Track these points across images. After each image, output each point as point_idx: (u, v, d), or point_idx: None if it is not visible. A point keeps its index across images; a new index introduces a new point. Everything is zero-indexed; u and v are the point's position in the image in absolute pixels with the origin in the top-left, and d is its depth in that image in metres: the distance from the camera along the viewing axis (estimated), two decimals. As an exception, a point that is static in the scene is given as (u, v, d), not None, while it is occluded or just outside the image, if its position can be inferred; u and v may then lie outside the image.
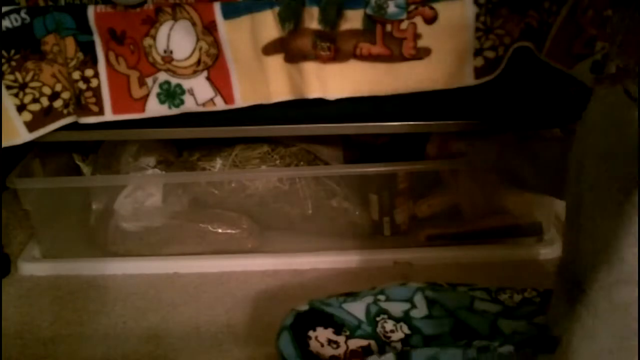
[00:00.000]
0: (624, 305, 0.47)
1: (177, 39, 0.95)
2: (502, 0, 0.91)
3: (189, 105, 1.00)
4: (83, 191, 1.21)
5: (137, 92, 1.00)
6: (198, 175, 1.21)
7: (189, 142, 1.24)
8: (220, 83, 0.99)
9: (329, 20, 0.93)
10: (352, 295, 0.78)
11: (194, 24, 0.94)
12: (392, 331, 0.73)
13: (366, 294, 0.78)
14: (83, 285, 1.17)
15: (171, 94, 0.99)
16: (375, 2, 0.91)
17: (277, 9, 0.92)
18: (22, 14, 0.94)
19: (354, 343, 0.72)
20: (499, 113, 1.02)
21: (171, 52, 0.96)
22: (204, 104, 1.00)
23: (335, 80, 0.98)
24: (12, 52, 0.94)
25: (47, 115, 1.00)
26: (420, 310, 0.75)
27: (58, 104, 1.00)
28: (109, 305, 1.12)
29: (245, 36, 0.95)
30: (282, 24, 0.93)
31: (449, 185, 1.19)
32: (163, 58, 0.97)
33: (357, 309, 0.75)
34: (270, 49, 0.96)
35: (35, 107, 0.98)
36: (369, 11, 0.92)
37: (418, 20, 0.92)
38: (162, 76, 0.98)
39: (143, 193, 1.18)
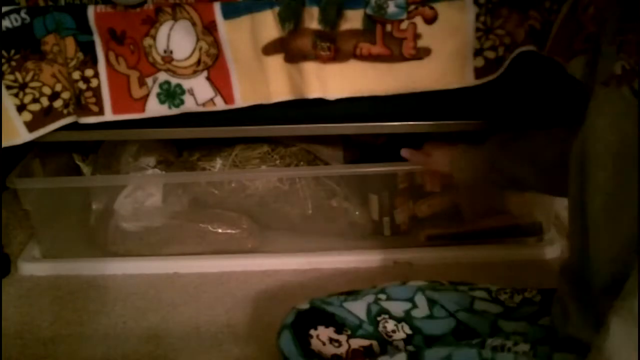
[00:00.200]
0: None
1: (177, 39, 0.95)
2: (502, 0, 0.91)
3: (189, 105, 1.00)
4: (83, 191, 1.21)
5: (137, 92, 1.00)
6: (198, 175, 1.21)
7: (189, 142, 1.24)
8: (220, 83, 0.99)
9: (329, 20, 0.93)
10: (353, 294, 0.78)
11: (194, 24, 0.94)
12: (393, 331, 0.73)
13: (367, 292, 0.78)
14: (83, 285, 1.17)
15: (171, 94, 0.99)
16: (375, 2, 0.91)
17: (277, 9, 0.92)
18: (22, 14, 0.94)
19: (356, 342, 0.72)
20: (499, 113, 1.02)
21: (171, 52, 0.96)
22: (204, 104, 1.00)
23: (335, 80, 0.97)
24: (12, 52, 0.94)
25: (47, 115, 1.00)
26: (421, 310, 0.74)
27: (58, 104, 1.00)
28: (109, 305, 1.12)
29: (245, 36, 0.95)
30: (282, 24, 0.93)
31: (448, 186, 1.19)
32: (163, 58, 0.97)
33: (358, 308, 0.74)
34: (270, 49, 0.96)
35: (35, 107, 0.98)
36: (369, 11, 0.92)
37: (418, 20, 0.92)
38: (162, 76, 0.98)
39: (143, 193, 1.18)
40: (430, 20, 0.92)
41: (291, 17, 0.93)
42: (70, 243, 1.25)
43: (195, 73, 0.98)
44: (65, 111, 1.01)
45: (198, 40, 0.95)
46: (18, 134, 0.98)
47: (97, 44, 0.97)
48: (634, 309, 0.47)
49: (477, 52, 0.94)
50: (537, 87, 1.00)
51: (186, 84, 0.99)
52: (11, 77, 0.95)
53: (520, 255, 1.21)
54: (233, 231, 1.21)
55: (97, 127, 1.02)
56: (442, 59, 0.95)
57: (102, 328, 1.06)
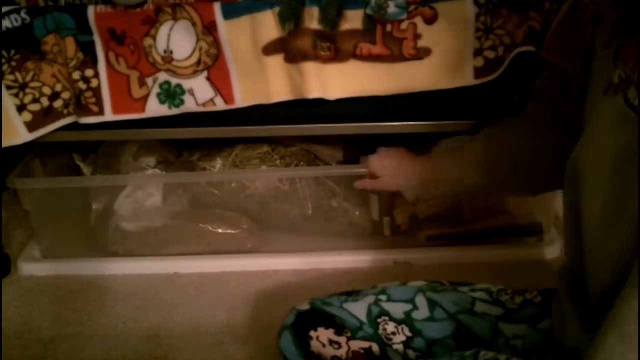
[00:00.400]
0: None
1: (177, 39, 0.95)
2: (502, 0, 0.91)
3: (189, 105, 1.00)
4: (83, 191, 1.21)
5: (137, 92, 1.00)
6: (198, 175, 1.21)
7: (189, 142, 1.24)
8: (220, 83, 0.99)
9: (329, 20, 0.93)
10: (353, 295, 0.77)
11: (194, 24, 0.94)
12: (393, 333, 0.72)
13: (367, 293, 0.77)
14: (83, 285, 1.17)
15: (171, 94, 0.99)
16: (375, 2, 0.91)
17: (277, 9, 0.92)
18: (22, 14, 0.94)
19: (356, 344, 0.72)
20: (499, 113, 1.02)
21: (171, 52, 0.96)
22: (204, 104, 1.00)
23: (335, 80, 0.98)
24: (12, 52, 0.94)
25: (47, 115, 1.00)
26: (421, 312, 0.74)
27: (58, 104, 1.00)
28: (109, 305, 1.12)
29: (245, 36, 0.95)
30: (282, 24, 0.93)
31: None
32: (163, 58, 0.97)
33: (358, 310, 0.74)
34: (270, 49, 0.96)
35: (35, 107, 0.98)
36: (369, 11, 0.92)
37: (418, 20, 0.92)
38: (162, 76, 0.98)
39: (143, 193, 1.18)
40: (430, 20, 0.92)
41: (291, 17, 0.93)
42: (70, 243, 1.25)
43: (195, 73, 0.98)
44: (65, 111, 1.01)
45: (198, 40, 0.95)
46: (18, 134, 0.98)
47: (97, 44, 0.97)
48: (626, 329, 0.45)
49: (477, 52, 0.94)
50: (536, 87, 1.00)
51: (186, 84, 0.99)
52: (11, 77, 0.95)
53: (520, 255, 1.21)
54: (233, 231, 1.21)
55: (97, 127, 1.02)
56: (442, 59, 0.95)
57: (102, 328, 1.06)
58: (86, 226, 1.22)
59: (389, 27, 0.93)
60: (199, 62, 0.97)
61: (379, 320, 0.73)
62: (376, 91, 0.99)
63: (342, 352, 0.71)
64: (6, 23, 0.93)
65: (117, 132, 1.05)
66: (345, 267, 1.19)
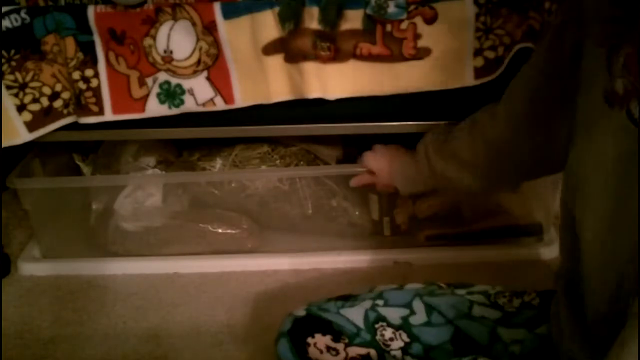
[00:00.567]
0: None
1: (177, 39, 0.95)
2: (502, 0, 0.91)
3: (189, 105, 1.00)
4: (83, 191, 1.21)
5: (137, 92, 1.00)
6: (198, 175, 1.21)
7: (189, 142, 1.23)
8: (220, 83, 0.99)
9: (329, 20, 0.93)
10: (350, 300, 0.77)
11: (194, 24, 0.94)
12: (391, 339, 0.72)
13: (364, 297, 0.77)
14: (83, 285, 1.17)
15: (171, 94, 0.99)
16: (375, 2, 0.91)
17: (277, 9, 0.92)
18: (22, 14, 0.94)
19: (353, 351, 0.71)
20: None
21: (171, 52, 0.96)
22: (204, 104, 1.00)
23: (335, 80, 0.97)
24: (12, 52, 0.94)
25: (47, 115, 1.00)
26: (419, 317, 0.73)
27: (58, 104, 1.00)
28: (109, 305, 1.12)
29: (245, 36, 0.95)
30: (282, 24, 0.93)
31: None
32: (163, 58, 0.97)
33: (355, 315, 0.73)
34: (270, 49, 0.96)
35: (35, 107, 0.98)
36: (369, 11, 0.92)
37: (418, 20, 0.92)
38: (162, 76, 0.98)
39: (143, 193, 1.18)
40: (430, 20, 0.92)
41: (291, 17, 0.93)
42: (70, 243, 1.25)
43: (195, 73, 0.98)
44: (65, 111, 1.01)
45: (198, 40, 0.95)
46: (18, 134, 0.98)
47: (97, 44, 0.97)
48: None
49: (477, 52, 0.94)
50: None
51: (186, 84, 0.99)
52: (11, 77, 0.95)
53: (520, 256, 1.20)
54: (233, 231, 1.21)
55: (97, 127, 1.02)
56: (442, 59, 0.95)
57: (102, 328, 1.06)
58: (86, 226, 1.22)
59: (389, 27, 0.93)
60: (199, 62, 0.97)
61: (376, 326, 0.73)
62: (376, 91, 0.99)
63: (340, 358, 0.70)
64: (6, 23, 0.93)
65: (117, 132, 1.05)
66: (345, 267, 1.19)
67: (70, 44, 0.96)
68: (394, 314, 0.74)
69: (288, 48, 0.95)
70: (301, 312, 0.75)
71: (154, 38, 0.95)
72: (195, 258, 1.20)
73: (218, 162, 1.19)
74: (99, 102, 1.00)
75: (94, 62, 0.98)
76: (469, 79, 0.96)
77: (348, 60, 0.96)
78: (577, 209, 0.58)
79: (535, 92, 0.69)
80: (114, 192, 1.18)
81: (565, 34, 0.61)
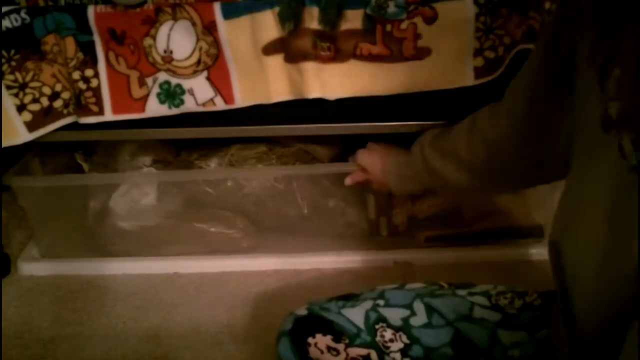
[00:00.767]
0: None
1: (177, 39, 0.95)
2: (502, 0, 0.91)
3: (189, 105, 1.00)
4: (81, 190, 1.21)
5: (137, 92, 1.00)
6: (191, 173, 1.20)
7: (187, 142, 1.23)
8: (220, 83, 0.99)
9: (329, 20, 0.93)
10: (351, 299, 0.77)
11: (194, 24, 0.94)
12: (391, 340, 0.72)
13: (365, 297, 0.76)
14: (83, 285, 1.17)
15: (171, 94, 0.99)
16: (375, 2, 0.91)
17: (277, 9, 0.92)
18: (22, 14, 0.94)
19: (354, 351, 0.71)
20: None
21: (171, 52, 0.96)
22: (204, 104, 1.00)
23: (335, 80, 0.97)
24: (12, 52, 0.94)
25: (47, 115, 1.00)
26: (419, 318, 0.73)
27: (58, 104, 1.00)
28: (109, 305, 1.12)
29: (245, 36, 0.95)
30: (282, 24, 0.93)
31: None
32: (163, 58, 0.97)
33: (356, 316, 0.73)
34: (270, 49, 0.96)
35: (35, 107, 0.98)
36: (369, 11, 0.92)
37: (418, 20, 0.92)
38: (162, 76, 0.98)
39: (138, 192, 1.18)
40: (430, 20, 0.92)
41: (291, 17, 0.93)
42: (69, 243, 1.25)
43: (195, 73, 0.98)
44: (65, 111, 1.01)
45: (198, 40, 0.95)
46: (18, 134, 0.98)
47: (97, 44, 0.97)
48: None
49: (477, 52, 0.94)
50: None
51: (186, 84, 0.99)
52: (11, 77, 0.95)
53: (521, 256, 1.21)
54: (228, 231, 1.20)
55: (97, 127, 1.02)
56: (442, 59, 0.95)
57: (102, 328, 1.06)
58: (84, 225, 1.22)
59: (389, 27, 0.93)
60: (199, 62, 0.97)
61: (376, 326, 0.72)
62: (376, 91, 0.99)
63: (340, 359, 0.70)
64: (6, 23, 0.93)
65: (117, 132, 1.05)
66: (345, 267, 1.19)
67: (70, 44, 0.96)
68: (395, 315, 0.73)
69: (288, 48, 0.95)
70: (302, 312, 0.75)
71: (154, 38, 0.95)
72: (195, 258, 1.21)
73: (214, 162, 1.19)
74: (99, 102, 1.00)
75: (94, 62, 0.98)
76: (469, 79, 0.96)
77: (348, 60, 0.96)
78: (565, 242, 0.57)
79: (535, 92, 0.68)
80: (112, 191, 1.18)
81: (561, 37, 0.60)
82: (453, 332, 0.72)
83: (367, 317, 0.73)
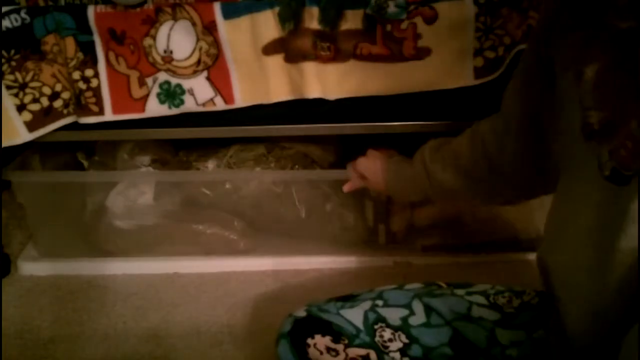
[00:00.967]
0: None
1: (177, 39, 0.95)
2: (502, 0, 0.91)
3: (189, 105, 1.00)
4: (80, 188, 1.21)
5: (137, 92, 1.00)
6: (188, 174, 1.20)
7: (187, 141, 1.23)
8: (220, 83, 0.99)
9: (329, 20, 0.93)
10: (349, 300, 0.77)
11: (194, 24, 0.94)
12: (390, 340, 0.72)
13: (364, 298, 0.76)
14: (83, 285, 1.17)
15: (171, 94, 0.99)
16: (375, 2, 0.91)
17: (277, 9, 0.92)
18: (22, 14, 0.94)
19: (353, 352, 0.71)
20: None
21: (171, 52, 0.96)
22: (204, 104, 1.00)
23: (335, 81, 0.98)
24: (12, 52, 0.94)
25: (47, 115, 1.00)
26: (418, 317, 0.73)
27: (58, 104, 1.00)
28: (109, 305, 1.12)
29: (245, 36, 0.95)
30: (282, 24, 0.93)
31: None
32: (163, 58, 0.97)
33: (354, 316, 0.73)
34: (270, 49, 0.96)
35: (35, 107, 0.98)
36: (369, 11, 0.92)
37: (418, 20, 0.92)
38: (162, 76, 0.98)
39: (135, 191, 1.18)
40: (430, 20, 0.92)
41: (291, 17, 0.93)
42: (69, 242, 1.25)
43: (195, 73, 0.98)
44: (65, 111, 1.01)
45: (198, 40, 0.95)
46: (18, 133, 0.98)
47: (97, 44, 0.97)
48: None
49: (477, 52, 0.94)
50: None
51: (186, 84, 0.99)
52: (11, 77, 0.95)
53: (519, 255, 1.20)
54: (225, 232, 1.20)
55: (97, 127, 1.02)
56: (442, 59, 0.95)
57: (102, 328, 1.06)
58: (83, 224, 1.22)
59: (389, 27, 0.93)
60: (199, 62, 0.97)
61: (375, 327, 0.72)
62: (376, 91, 0.99)
63: (339, 359, 0.70)
64: (6, 23, 0.93)
65: (116, 132, 1.05)
66: (345, 267, 1.19)
67: (70, 44, 0.96)
68: (394, 315, 0.73)
69: (288, 48, 0.95)
70: (301, 313, 0.75)
71: (154, 38, 0.95)
72: (195, 258, 1.20)
73: (212, 163, 1.19)
74: (99, 102, 1.00)
75: (94, 62, 0.98)
76: (469, 79, 0.96)
77: (348, 60, 0.96)
78: (551, 258, 0.57)
79: (526, 94, 0.68)
80: (109, 190, 1.18)
81: (543, 41, 0.60)
82: (452, 332, 0.72)
83: (366, 317, 0.73)
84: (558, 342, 0.61)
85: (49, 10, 0.94)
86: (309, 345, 0.71)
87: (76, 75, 0.98)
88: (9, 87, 0.96)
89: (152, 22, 0.94)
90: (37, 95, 0.98)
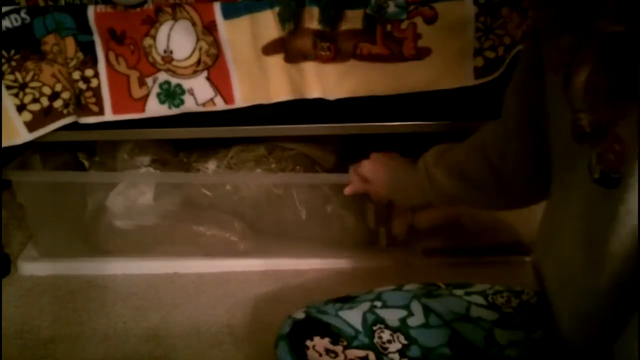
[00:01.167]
0: None
1: (177, 39, 0.95)
2: (502, 0, 0.91)
3: (189, 105, 1.00)
4: (80, 189, 1.21)
5: (137, 92, 1.00)
6: (188, 176, 1.19)
7: (187, 142, 1.23)
8: (220, 83, 0.99)
9: (329, 20, 0.93)
10: (348, 301, 0.76)
11: (194, 24, 0.94)
12: (389, 341, 0.72)
13: (363, 299, 0.76)
14: (83, 285, 1.17)
15: (171, 94, 0.99)
16: (375, 2, 0.91)
17: (277, 9, 0.92)
18: (22, 14, 0.94)
19: (352, 353, 0.71)
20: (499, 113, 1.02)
21: (171, 52, 0.96)
22: (204, 104, 1.00)
23: (335, 80, 0.98)
24: (12, 52, 0.94)
25: (47, 115, 1.00)
26: (417, 318, 0.73)
27: (58, 104, 1.00)
28: (109, 305, 1.12)
29: (245, 36, 0.95)
30: (282, 24, 0.93)
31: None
32: (163, 58, 0.97)
33: (353, 318, 0.73)
34: (270, 49, 0.96)
35: (35, 107, 0.98)
36: (369, 11, 0.92)
37: (418, 20, 0.92)
38: (162, 76, 0.98)
39: (135, 191, 1.17)
40: (430, 20, 0.92)
41: (291, 17, 0.93)
42: (69, 242, 1.24)
43: (195, 73, 0.98)
44: (65, 111, 1.01)
45: (198, 40, 0.95)
46: (18, 133, 0.98)
47: (97, 44, 0.97)
48: None
49: (477, 52, 0.94)
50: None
51: (186, 84, 0.99)
52: (11, 77, 0.95)
53: (522, 259, 1.20)
54: (225, 233, 1.20)
55: (97, 127, 1.02)
56: (442, 59, 0.95)
57: (102, 328, 1.06)
58: (83, 225, 1.22)
59: (389, 27, 0.93)
60: (199, 62, 0.97)
61: (374, 328, 0.72)
62: (376, 91, 0.99)
63: None
64: (6, 23, 0.93)
65: (116, 132, 1.05)
66: (345, 267, 1.19)
67: (70, 44, 0.96)
68: (392, 316, 0.73)
69: (288, 48, 0.95)
70: (300, 315, 0.74)
71: (154, 38, 0.95)
72: (195, 258, 1.20)
73: (212, 164, 1.19)
74: (99, 102, 1.00)
75: (94, 62, 0.98)
76: (469, 79, 0.96)
77: (348, 60, 0.96)
78: (545, 262, 0.57)
79: (524, 95, 0.68)
80: (109, 190, 1.18)
81: (535, 43, 0.60)
82: (450, 332, 0.72)
83: (364, 318, 0.73)
84: (555, 343, 0.62)
85: (49, 10, 0.94)
86: (308, 347, 0.71)
87: (76, 75, 0.98)
88: (9, 87, 0.96)
89: (152, 22, 0.94)
90: (37, 95, 0.98)
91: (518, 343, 0.70)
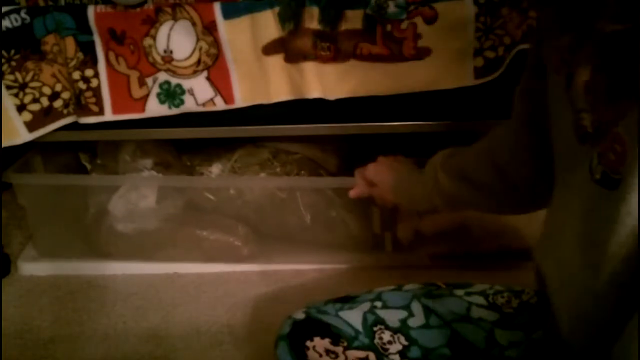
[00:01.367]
0: None
1: (177, 39, 0.95)
2: (502, 0, 0.91)
3: (189, 105, 1.00)
4: (81, 191, 1.21)
5: (137, 92, 1.00)
6: (191, 180, 1.19)
7: (189, 144, 1.23)
8: (220, 83, 0.99)
9: (329, 20, 0.93)
10: (348, 302, 0.76)
11: (194, 24, 0.94)
12: (389, 342, 0.71)
13: (363, 299, 0.76)
14: (83, 285, 1.17)
15: (171, 94, 0.99)
16: (375, 2, 0.91)
17: (277, 9, 0.92)
18: (22, 14, 0.94)
19: (352, 354, 0.71)
20: (499, 113, 1.02)
21: (171, 52, 0.96)
22: (204, 104, 1.00)
23: (336, 80, 0.98)
24: (12, 52, 0.94)
25: (47, 115, 1.00)
26: (417, 319, 0.73)
27: (58, 104, 1.00)
28: (109, 305, 1.12)
29: (245, 36, 0.95)
30: (282, 24, 0.93)
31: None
32: (163, 58, 0.97)
33: (354, 318, 0.73)
34: (270, 49, 0.96)
35: (35, 107, 0.98)
36: (369, 11, 0.92)
37: (418, 20, 0.92)
38: (162, 76, 0.98)
39: (137, 194, 1.17)
40: (430, 20, 0.92)
41: (291, 17, 0.93)
42: (69, 243, 1.24)
43: (195, 73, 0.98)
44: (65, 111, 1.01)
45: (198, 40, 0.95)
46: (18, 133, 0.98)
47: (97, 44, 0.97)
48: None
49: (477, 52, 0.94)
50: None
51: (186, 84, 0.99)
52: (11, 77, 0.95)
53: (528, 264, 1.19)
54: (228, 238, 1.18)
55: (97, 127, 1.02)
56: (442, 59, 0.95)
57: (102, 328, 1.06)
58: (84, 226, 1.22)
59: (389, 27, 0.93)
60: (199, 62, 0.97)
61: (374, 328, 0.72)
62: (376, 91, 0.99)
63: None
64: (6, 23, 0.93)
65: (117, 132, 1.05)
66: (346, 267, 1.19)
67: (70, 44, 0.96)
68: (393, 317, 0.73)
69: (288, 48, 0.95)
70: (300, 315, 0.74)
71: (154, 38, 0.95)
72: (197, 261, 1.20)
73: (216, 167, 1.18)
74: (99, 102, 1.00)
75: (94, 62, 0.98)
76: (469, 79, 0.96)
77: (348, 60, 0.96)
78: (546, 263, 0.57)
79: (529, 96, 0.68)
80: (111, 193, 1.17)
81: (538, 42, 0.60)
82: (450, 333, 0.72)
83: (364, 319, 0.73)
84: (556, 343, 0.62)
85: (49, 10, 0.95)
86: (308, 348, 0.71)
87: (76, 75, 0.98)
88: (9, 87, 0.96)
89: (152, 22, 0.94)
90: (37, 95, 0.98)
91: (518, 343, 0.70)
